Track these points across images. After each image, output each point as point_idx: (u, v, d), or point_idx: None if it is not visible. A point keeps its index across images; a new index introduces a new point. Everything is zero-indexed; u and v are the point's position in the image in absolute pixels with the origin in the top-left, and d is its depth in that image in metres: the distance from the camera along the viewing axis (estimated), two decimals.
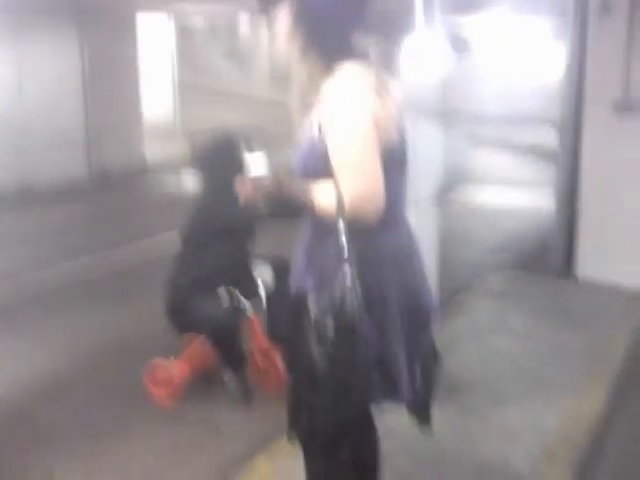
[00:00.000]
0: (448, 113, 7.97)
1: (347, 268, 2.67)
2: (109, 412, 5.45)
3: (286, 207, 2.86)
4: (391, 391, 2.99)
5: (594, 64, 7.67)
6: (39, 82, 13.73)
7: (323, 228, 2.85)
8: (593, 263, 7.86)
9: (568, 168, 8.01)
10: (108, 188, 14.43)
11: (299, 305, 2.94)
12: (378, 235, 2.88)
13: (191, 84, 22.30)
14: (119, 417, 5.36)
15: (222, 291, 5.43)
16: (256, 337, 5.65)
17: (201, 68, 27.47)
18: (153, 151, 16.78)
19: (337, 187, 2.72)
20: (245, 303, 5.50)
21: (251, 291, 5.56)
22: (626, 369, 5.91)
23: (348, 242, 2.69)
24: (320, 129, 2.79)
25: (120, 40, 15.39)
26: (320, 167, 2.79)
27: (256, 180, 2.84)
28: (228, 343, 5.47)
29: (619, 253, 7.68)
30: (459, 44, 23.58)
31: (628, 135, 7.50)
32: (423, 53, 5.45)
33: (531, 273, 8.29)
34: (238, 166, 5.50)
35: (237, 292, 5.49)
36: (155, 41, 18.19)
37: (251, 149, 5.58)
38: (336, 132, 2.75)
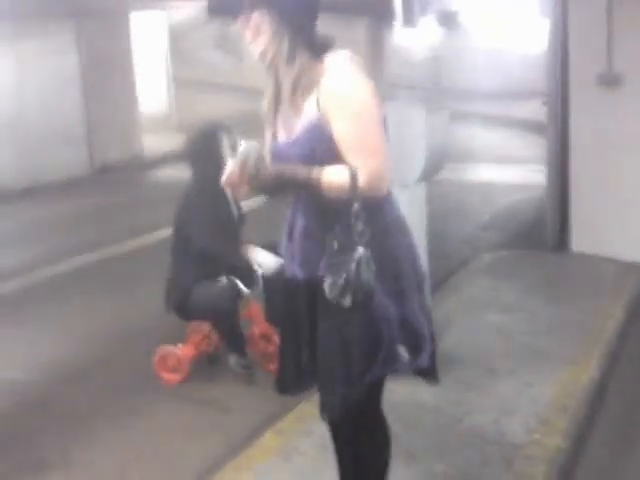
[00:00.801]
0: (438, 90, 8.08)
1: (361, 247, 2.83)
2: (122, 395, 5.61)
3: (281, 190, 2.98)
4: (414, 358, 3.09)
5: (577, 38, 7.73)
6: (38, 81, 13.86)
7: (331, 212, 2.94)
8: (587, 236, 7.93)
9: (557, 142, 8.09)
10: (108, 182, 14.53)
11: (313, 291, 3.01)
12: (385, 207, 3.02)
13: (184, 77, 22.34)
14: (132, 399, 5.52)
15: (222, 279, 5.56)
16: (257, 322, 5.80)
17: (193, 61, 27.40)
18: (150, 145, 16.91)
19: (349, 165, 2.84)
20: (243, 289, 5.62)
21: (249, 277, 5.66)
22: (619, 339, 6.03)
23: (363, 220, 2.83)
24: (321, 114, 2.87)
25: (115, 37, 15.57)
26: (326, 150, 2.88)
27: (245, 169, 2.88)
28: (229, 328, 5.62)
29: (611, 225, 7.76)
30: (448, 20, 23.64)
31: (614, 108, 7.56)
32: (413, 31, 5.53)
33: (525, 248, 8.39)
34: (220, 157, 5.62)
35: (235, 280, 5.62)
36: (149, 37, 18.28)
37: (233, 140, 5.70)
38: (344, 114, 2.85)
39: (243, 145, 2.89)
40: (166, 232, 9.81)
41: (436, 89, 24.58)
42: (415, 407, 4.90)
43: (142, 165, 15.95)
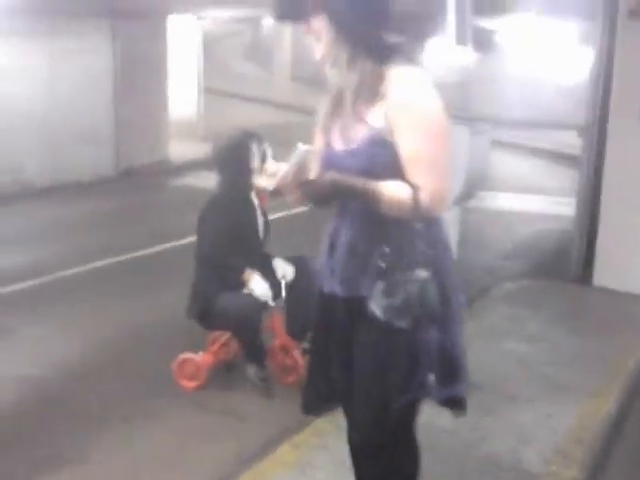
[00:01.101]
0: (473, 116, 8.00)
1: (423, 269, 2.81)
2: (137, 397, 5.62)
3: (333, 199, 2.93)
4: (446, 387, 3.05)
5: (621, 70, 7.65)
6: (71, 81, 13.90)
7: (380, 230, 2.90)
8: (611, 271, 7.88)
9: (591, 174, 8.04)
10: (133, 185, 14.60)
11: (352, 309, 3.00)
12: (434, 227, 2.96)
13: (214, 86, 22.42)
14: (147, 402, 5.53)
15: (246, 290, 5.56)
16: (278, 334, 5.79)
17: (223, 70, 27.54)
18: (177, 151, 16.98)
19: (412, 182, 2.79)
20: (268, 301, 5.61)
21: (273, 289, 5.65)
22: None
23: (425, 241, 2.83)
24: (386, 128, 2.81)
25: (150, 40, 15.60)
26: (386, 164, 2.82)
27: (300, 173, 2.85)
28: (252, 339, 5.59)
29: (636, 262, 7.71)
30: (486, 46, 23.51)
31: None
32: (449, 55, 5.42)
33: (549, 279, 8.35)
34: (248, 165, 5.63)
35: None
36: (183, 42, 18.30)
37: (263, 149, 5.72)
38: (416, 130, 2.79)
39: (300, 148, 2.83)
40: (183, 238, 10.06)
41: (473, 115, 24.62)
42: (432, 429, 4.85)
43: (166, 170, 16.01)
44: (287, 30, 28.57)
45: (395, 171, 2.83)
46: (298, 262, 5.85)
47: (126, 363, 6.24)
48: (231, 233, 5.59)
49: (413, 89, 2.83)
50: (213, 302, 5.54)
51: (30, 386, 5.78)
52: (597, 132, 7.96)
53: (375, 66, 2.85)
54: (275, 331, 5.79)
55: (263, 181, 2.96)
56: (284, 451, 4.61)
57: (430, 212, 2.84)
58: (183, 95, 18.25)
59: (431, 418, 4.87)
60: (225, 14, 21.26)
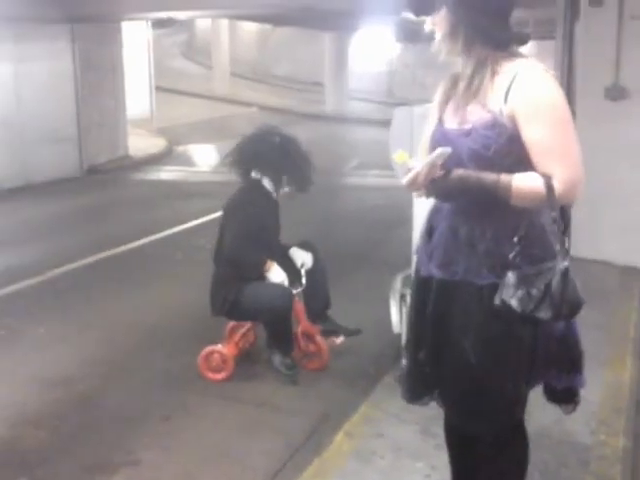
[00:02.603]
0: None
1: (563, 258, 2.57)
2: (167, 394, 5.26)
3: (460, 194, 2.70)
4: (568, 376, 2.91)
5: (585, 55, 7.60)
6: (34, 84, 13.42)
7: (491, 217, 2.70)
8: (585, 242, 7.76)
9: None
10: (98, 182, 14.13)
11: (450, 294, 2.79)
12: (569, 215, 2.78)
13: (160, 84, 22.04)
14: (179, 398, 5.17)
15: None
16: (301, 321, 5.48)
17: (166, 69, 27.04)
18: (135, 147, 16.55)
19: (544, 172, 2.60)
20: (298, 287, 5.38)
21: (294, 276, 5.41)
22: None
23: (561, 230, 2.61)
24: (508, 111, 2.63)
25: (107, 45, 15.23)
26: (501, 148, 2.63)
27: (432, 172, 2.65)
28: (284, 328, 5.29)
29: (608, 232, 7.61)
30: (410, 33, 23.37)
31: (618, 121, 7.40)
32: None
33: None
34: (273, 161, 5.36)
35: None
36: (135, 46, 17.97)
37: (288, 142, 5.46)
38: (545, 118, 2.60)
39: (439, 149, 2.63)
40: (162, 231, 9.78)
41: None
42: None
43: (127, 166, 15.63)
44: (224, 29, 28.20)
45: (504, 156, 2.64)
46: (308, 247, 5.64)
47: (144, 360, 5.86)
48: (258, 228, 5.33)
49: (538, 79, 2.66)
50: (241, 294, 5.23)
51: (57, 387, 5.36)
52: None
53: (497, 53, 2.71)
54: (297, 318, 5.47)
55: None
56: (340, 441, 4.28)
57: (564, 201, 2.65)
58: (136, 94, 17.86)
59: None
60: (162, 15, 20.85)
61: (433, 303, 2.87)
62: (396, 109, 4.84)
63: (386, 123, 5.29)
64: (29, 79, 13.27)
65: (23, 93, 13.21)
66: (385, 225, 10.07)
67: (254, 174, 5.46)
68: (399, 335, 5.01)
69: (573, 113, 7.90)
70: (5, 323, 6.60)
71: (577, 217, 7.48)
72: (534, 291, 2.55)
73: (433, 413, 4.06)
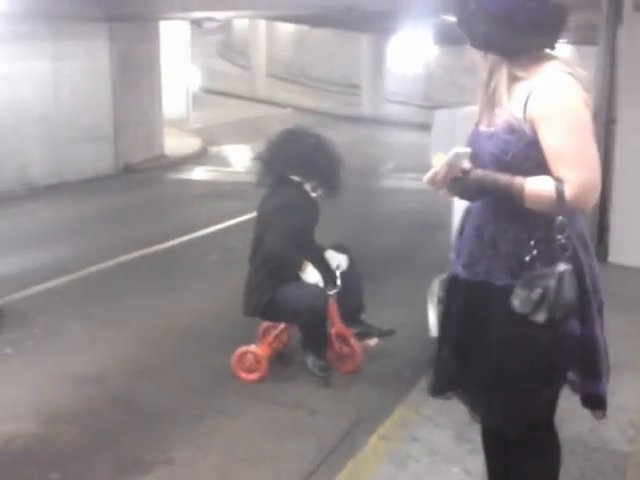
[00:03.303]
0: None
1: (564, 262, 2.60)
2: (200, 393, 5.29)
3: (478, 194, 2.76)
4: (589, 383, 2.86)
5: (627, 61, 7.61)
6: (72, 82, 13.54)
7: (513, 220, 2.73)
8: (624, 248, 7.73)
9: (601, 158, 7.88)
10: (134, 181, 14.23)
11: (472, 293, 2.84)
12: (573, 219, 2.72)
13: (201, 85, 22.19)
14: (212, 398, 5.20)
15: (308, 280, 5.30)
16: (335, 323, 5.49)
17: (202, 69, 27.15)
18: (171, 146, 16.67)
19: (557, 176, 2.61)
20: (332, 289, 5.39)
21: (328, 278, 5.43)
22: None
23: (565, 235, 2.61)
24: (527, 116, 2.66)
25: (145, 44, 15.33)
26: (520, 153, 2.67)
27: (451, 171, 2.71)
28: (320, 329, 5.31)
29: None
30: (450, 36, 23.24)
31: None
32: None
33: None
34: (309, 167, 5.38)
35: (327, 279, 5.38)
36: (172, 46, 18.06)
37: (322, 142, 5.48)
38: (561, 123, 2.63)
39: (456, 149, 2.70)
40: (197, 231, 9.85)
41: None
42: None
43: (163, 165, 15.72)
44: (261, 30, 28.29)
45: (523, 161, 2.68)
46: (343, 249, 5.66)
47: (178, 359, 5.89)
48: (302, 230, 5.39)
49: (556, 84, 2.68)
50: (276, 295, 5.26)
51: (90, 385, 5.41)
52: (605, 118, 7.84)
53: (507, 60, 2.74)
54: (331, 320, 5.48)
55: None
56: (374, 444, 4.29)
57: (576, 206, 2.65)
58: (173, 94, 17.98)
59: None
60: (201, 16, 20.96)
61: (459, 301, 2.93)
62: (437, 112, 4.86)
63: (423, 126, 5.32)
64: (67, 77, 13.39)
65: (61, 91, 13.33)
66: (422, 228, 10.07)
67: (294, 176, 5.47)
68: (435, 339, 5.00)
69: (614, 120, 7.94)
70: (40, 321, 6.66)
71: (617, 224, 7.60)
72: (533, 294, 2.60)
73: (468, 418, 4.08)
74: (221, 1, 13.34)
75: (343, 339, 5.53)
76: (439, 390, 3.11)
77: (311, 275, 5.29)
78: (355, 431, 4.65)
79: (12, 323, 6.58)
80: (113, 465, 4.34)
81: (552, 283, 2.58)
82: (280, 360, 5.68)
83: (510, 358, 2.77)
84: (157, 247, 9.30)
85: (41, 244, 9.44)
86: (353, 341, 5.52)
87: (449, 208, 5.26)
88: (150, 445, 4.56)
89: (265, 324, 5.72)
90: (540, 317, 2.61)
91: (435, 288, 5.17)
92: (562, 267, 2.59)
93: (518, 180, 2.64)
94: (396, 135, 21.43)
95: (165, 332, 6.47)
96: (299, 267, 5.28)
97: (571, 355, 2.77)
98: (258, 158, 5.66)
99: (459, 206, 4.65)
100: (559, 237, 2.62)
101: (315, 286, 5.25)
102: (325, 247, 5.63)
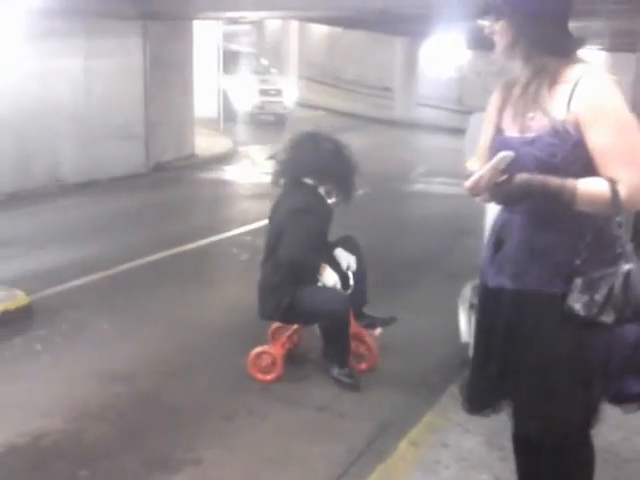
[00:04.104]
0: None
1: (626, 261, 2.58)
2: (228, 393, 5.30)
3: (524, 199, 2.71)
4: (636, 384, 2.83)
5: None
6: (104, 80, 13.59)
7: (561, 225, 2.73)
8: None
9: None
10: (164, 180, 14.30)
11: (521, 304, 2.81)
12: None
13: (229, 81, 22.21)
14: (239, 399, 5.21)
15: (320, 284, 5.32)
16: (351, 323, 5.46)
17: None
18: (201, 146, 16.75)
19: (610, 177, 2.60)
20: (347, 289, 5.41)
21: (342, 279, 5.44)
22: None
23: (621, 232, 2.61)
24: (569, 120, 2.65)
25: (178, 42, 15.38)
26: (568, 155, 2.65)
27: (494, 176, 2.69)
28: (342, 332, 5.30)
29: None
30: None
31: None
32: None
33: None
34: (325, 172, 5.38)
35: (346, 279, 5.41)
36: (205, 45, 18.10)
37: (340, 147, 5.49)
38: (609, 123, 2.61)
39: (501, 153, 2.67)
40: (229, 231, 9.88)
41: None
42: None
43: (193, 165, 15.78)
44: (293, 31, 28.34)
45: (571, 163, 2.67)
46: (351, 244, 5.69)
47: (206, 359, 5.91)
48: (318, 234, 5.40)
49: (601, 84, 2.68)
50: (297, 299, 5.27)
51: (118, 383, 5.43)
52: None
53: (551, 62, 2.73)
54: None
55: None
56: (404, 449, 4.28)
57: (630, 206, 2.64)
58: (204, 93, 18.02)
59: None
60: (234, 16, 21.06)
61: (504, 314, 2.88)
62: (472, 115, 4.82)
63: (454, 131, 5.30)
64: (99, 75, 13.44)
65: (93, 88, 13.39)
66: (452, 233, 10.04)
67: (309, 180, 5.49)
68: (465, 344, 4.99)
69: None
70: (69, 317, 6.70)
71: None
72: (597, 295, 2.58)
73: (499, 424, 4.05)
74: (254, 1, 13.36)
75: (359, 338, 5.54)
76: (478, 407, 3.09)
77: (329, 277, 5.30)
78: (383, 435, 4.65)
79: (42, 319, 6.63)
80: (142, 463, 4.35)
81: (618, 283, 2.56)
82: (307, 363, 5.71)
83: (563, 367, 2.75)
84: (187, 246, 9.33)
85: (71, 241, 9.50)
86: (369, 339, 5.55)
87: (479, 213, 5.23)
88: (178, 444, 4.58)
89: (275, 325, 5.75)
90: (608, 317, 2.58)
91: (467, 294, 5.15)
92: (627, 266, 2.58)
93: (570, 182, 2.61)
94: (428, 139, 21.39)
95: (194, 331, 6.49)
96: (318, 270, 5.29)
97: (626, 360, 2.76)
98: (274, 158, 5.69)
99: (492, 211, 4.65)
100: (618, 236, 2.62)
101: (335, 290, 5.27)
102: (332, 244, 5.63)
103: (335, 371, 5.38)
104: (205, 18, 16.62)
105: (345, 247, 5.61)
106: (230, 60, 21.46)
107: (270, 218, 5.62)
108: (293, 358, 5.68)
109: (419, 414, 4.70)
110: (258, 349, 5.48)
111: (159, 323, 6.67)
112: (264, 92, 22.99)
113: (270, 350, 5.47)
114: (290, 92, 24.23)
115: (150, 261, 8.67)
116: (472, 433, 4.38)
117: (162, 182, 14.11)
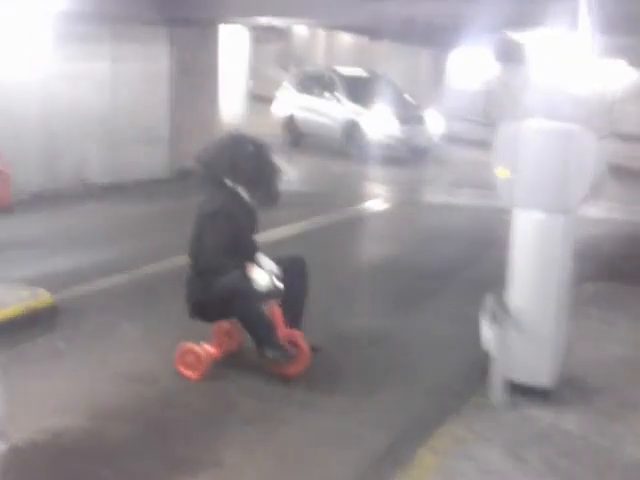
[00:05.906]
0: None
1: None
2: (251, 397, 5.35)
3: None
4: None
5: None
6: (131, 84, 13.68)
7: None
8: None
9: None
10: (188, 185, 14.33)
11: None
12: None
13: (254, 91, 22.27)
14: (258, 403, 5.27)
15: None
16: (279, 326, 5.61)
17: (259, 76, 27.30)
18: None
19: None
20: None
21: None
22: None
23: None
24: None
25: (204, 48, 15.39)
26: None
27: None
28: (252, 310, 5.41)
29: None
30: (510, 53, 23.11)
31: None
32: None
33: (624, 283, 8.02)
34: (244, 174, 5.54)
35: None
36: (231, 52, 18.13)
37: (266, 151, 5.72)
38: None
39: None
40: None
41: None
42: (562, 435, 4.59)
43: None
44: (320, 40, 28.41)
45: None
46: (295, 261, 5.84)
47: (231, 361, 5.91)
48: (233, 236, 5.54)
49: None
50: (204, 294, 5.49)
51: (141, 384, 5.50)
52: None
53: None
54: (275, 322, 5.62)
55: None
56: (424, 457, 4.31)
57: None
58: (230, 99, 18.06)
59: (556, 422, 4.68)
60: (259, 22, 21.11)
61: None
62: (501, 124, 4.84)
63: (481, 143, 5.30)
64: (125, 79, 13.54)
65: (119, 92, 13.48)
66: (476, 244, 10.03)
67: (228, 182, 5.62)
68: (486, 354, 5.00)
69: None
70: (93, 318, 6.78)
71: None
72: None
73: (522, 439, 4.09)
74: (281, 8, 13.40)
75: (290, 340, 5.62)
76: None
77: (258, 274, 5.44)
78: (402, 442, 4.67)
79: (66, 320, 6.70)
80: (163, 463, 4.41)
81: None
82: (325, 369, 5.74)
83: None
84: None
85: (96, 243, 9.56)
86: (301, 342, 5.63)
87: (505, 225, 5.25)
88: (199, 446, 4.63)
89: (216, 326, 5.88)
90: None
91: (489, 304, 5.17)
92: None
93: None
94: (453, 150, 21.35)
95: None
96: (229, 271, 5.40)
97: None
98: (198, 160, 5.82)
99: (519, 223, 4.67)
100: None
101: (235, 272, 5.38)
102: (278, 260, 5.75)
103: (270, 354, 5.45)
104: (231, 23, 16.66)
105: (292, 269, 5.73)
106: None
107: (194, 219, 5.78)
108: (314, 365, 5.69)
109: (440, 422, 4.72)
110: (184, 347, 5.64)
111: (183, 325, 6.68)
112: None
113: (196, 349, 5.60)
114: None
115: (174, 264, 8.69)
116: (494, 444, 4.40)
117: (186, 187, 14.09)
